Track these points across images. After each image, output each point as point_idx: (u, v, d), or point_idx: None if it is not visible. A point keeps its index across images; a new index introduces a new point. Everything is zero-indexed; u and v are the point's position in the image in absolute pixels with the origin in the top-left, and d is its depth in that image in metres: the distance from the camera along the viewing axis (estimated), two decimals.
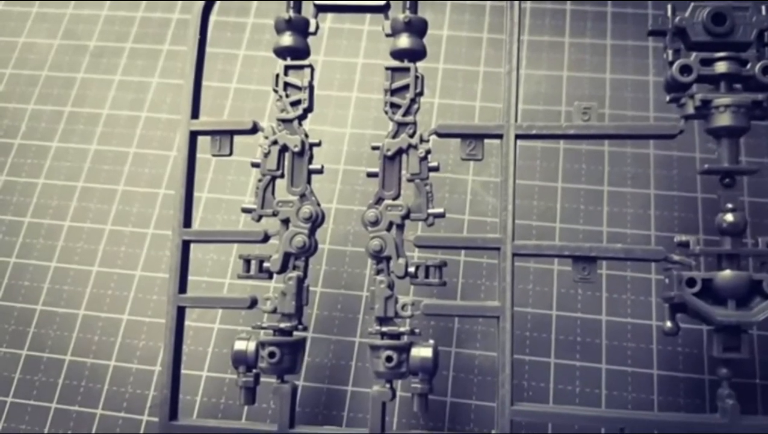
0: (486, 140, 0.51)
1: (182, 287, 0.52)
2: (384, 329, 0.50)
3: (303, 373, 0.57)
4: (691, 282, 0.48)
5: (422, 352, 0.50)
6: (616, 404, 0.56)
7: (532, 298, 0.59)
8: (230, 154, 0.53)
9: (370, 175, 0.52)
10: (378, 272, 0.51)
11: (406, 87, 0.52)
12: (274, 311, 0.51)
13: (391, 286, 0.50)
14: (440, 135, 0.51)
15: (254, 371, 0.50)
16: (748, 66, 0.49)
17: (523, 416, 0.49)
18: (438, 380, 0.55)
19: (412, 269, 0.51)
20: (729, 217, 0.48)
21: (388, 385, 0.50)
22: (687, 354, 0.57)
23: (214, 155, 0.53)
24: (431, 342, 0.50)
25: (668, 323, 0.50)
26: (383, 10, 0.53)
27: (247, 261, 0.52)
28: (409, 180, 0.51)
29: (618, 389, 0.56)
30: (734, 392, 0.48)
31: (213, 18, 0.69)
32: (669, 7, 0.50)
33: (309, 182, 0.52)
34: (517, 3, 0.52)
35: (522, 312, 0.58)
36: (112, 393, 0.58)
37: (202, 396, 0.58)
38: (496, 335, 0.50)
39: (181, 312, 0.52)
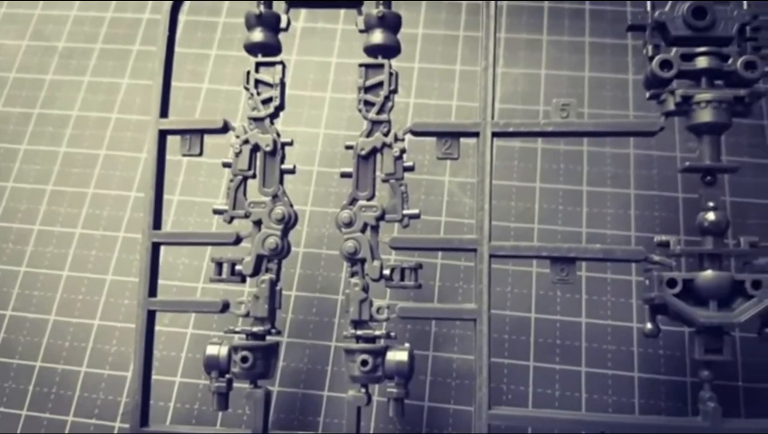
0: (462, 140, 0.49)
1: (152, 290, 0.50)
2: (359, 332, 0.48)
3: (278, 378, 0.55)
4: (671, 283, 0.46)
5: (398, 356, 0.48)
6: (596, 407, 0.54)
7: (510, 301, 0.58)
8: (200, 154, 0.51)
9: (343, 175, 0.50)
10: (353, 274, 0.49)
11: (380, 84, 0.50)
12: (247, 315, 0.48)
13: (366, 289, 0.48)
14: (415, 133, 0.49)
15: (227, 376, 0.48)
16: (730, 61, 0.47)
17: (501, 420, 0.47)
18: (415, 384, 0.54)
19: (387, 272, 0.49)
20: (710, 216, 0.47)
21: (363, 390, 0.48)
22: (668, 356, 0.55)
23: (184, 155, 0.51)
24: (407, 345, 0.48)
25: (649, 325, 0.48)
26: (356, 5, 0.51)
27: (219, 264, 0.50)
28: (384, 180, 0.49)
29: (598, 392, 0.54)
30: (716, 395, 0.46)
31: (184, 18, 0.67)
32: (649, 3, 0.48)
33: (281, 182, 0.50)
34: (493, 2, 0.51)
35: (500, 315, 0.57)
36: (84, 399, 0.56)
37: (176, 401, 0.55)
38: (473, 338, 0.48)
39: (151, 316, 0.50)
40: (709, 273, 0.46)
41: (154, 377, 0.51)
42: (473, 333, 0.48)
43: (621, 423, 0.47)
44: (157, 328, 0.52)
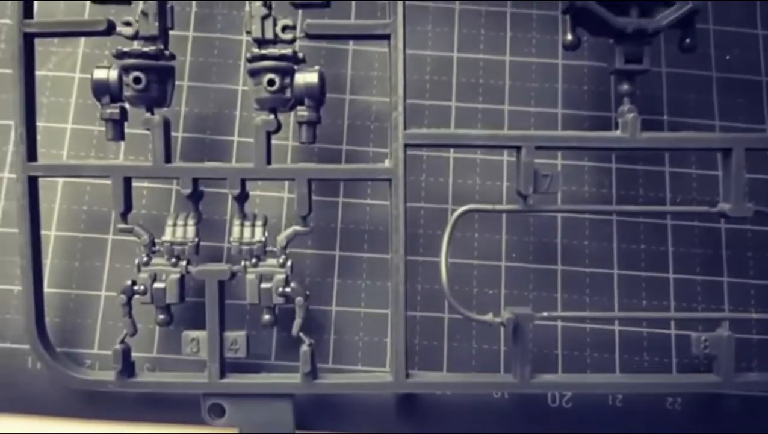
0: None
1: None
2: (263, 51, 0.47)
3: (182, 124, 0.55)
4: None
5: (307, 77, 0.48)
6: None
7: (431, 40, 0.57)
8: None
9: None
10: None
11: None
12: (136, 36, 0.47)
13: (268, 6, 0.48)
14: None
15: (120, 104, 0.48)
16: None
17: (418, 139, 0.48)
18: (332, 128, 0.55)
19: None
20: None
21: (272, 115, 0.48)
22: (592, 91, 0.57)
23: None
24: (316, 67, 0.48)
25: (569, 36, 0.49)
26: None
27: None
28: None
29: (522, 126, 0.56)
30: (636, 107, 0.48)
31: None
32: None
33: None
34: None
35: (420, 55, 0.57)
36: None
37: (69, 149, 0.54)
38: (388, 59, 0.48)
39: (29, 41, 0.48)
40: None
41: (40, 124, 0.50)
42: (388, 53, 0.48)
43: (536, 136, 0.49)
44: (41, 73, 0.51)
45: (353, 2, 0.57)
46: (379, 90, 0.56)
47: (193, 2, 0.57)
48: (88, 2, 0.55)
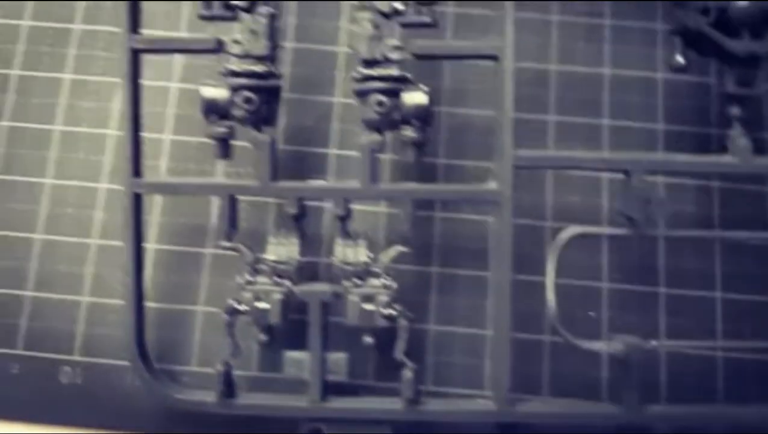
0: None
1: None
2: (373, 72, 0.47)
3: (281, 136, 0.54)
4: (705, 11, 0.47)
5: (416, 97, 0.47)
6: None
7: (528, 52, 0.56)
8: None
9: None
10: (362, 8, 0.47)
11: None
12: (245, 55, 0.47)
13: (376, 26, 0.47)
14: None
15: (229, 122, 0.48)
16: None
17: (527, 161, 0.48)
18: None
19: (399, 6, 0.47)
20: None
21: (379, 134, 0.48)
22: (694, 107, 0.56)
23: None
24: (423, 87, 0.48)
25: (679, 59, 0.48)
26: None
27: None
28: None
29: (623, 145, 0.55)
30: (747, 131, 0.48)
31: None
32: None
33: None
34: None
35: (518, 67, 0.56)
36: None
37: (169, 160, 0.55)
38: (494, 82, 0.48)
39: (135, 57, 0.48)
40: (743, 2, 0.46)
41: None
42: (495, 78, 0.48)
43: (647, 160, 0.48)
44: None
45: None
46: (476, 103, 0.56)
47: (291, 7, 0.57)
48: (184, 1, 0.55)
